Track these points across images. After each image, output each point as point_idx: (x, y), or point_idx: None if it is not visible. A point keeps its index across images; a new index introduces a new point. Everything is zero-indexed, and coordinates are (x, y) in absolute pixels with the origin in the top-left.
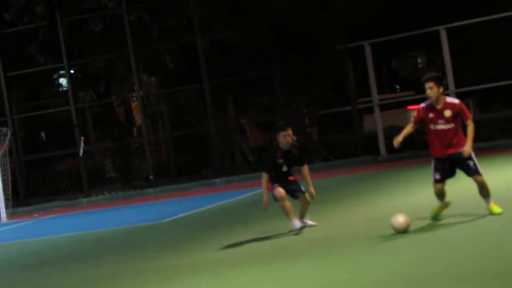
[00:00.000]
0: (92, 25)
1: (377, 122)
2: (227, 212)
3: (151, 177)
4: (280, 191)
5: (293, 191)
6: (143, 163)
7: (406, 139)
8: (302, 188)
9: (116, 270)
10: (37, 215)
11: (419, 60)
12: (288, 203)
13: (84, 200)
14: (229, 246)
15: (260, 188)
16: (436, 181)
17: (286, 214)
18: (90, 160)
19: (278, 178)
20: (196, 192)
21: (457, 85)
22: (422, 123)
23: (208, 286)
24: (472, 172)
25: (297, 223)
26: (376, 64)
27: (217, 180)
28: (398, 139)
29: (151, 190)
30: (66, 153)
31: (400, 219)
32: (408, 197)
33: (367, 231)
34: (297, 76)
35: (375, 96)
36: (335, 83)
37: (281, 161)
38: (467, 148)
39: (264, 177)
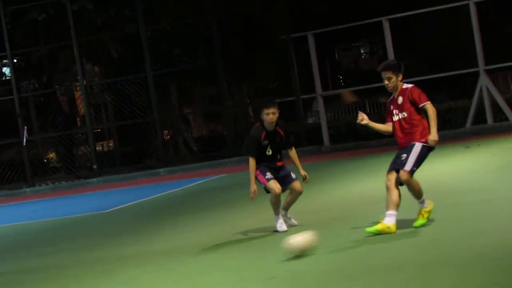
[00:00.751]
0: (35, 14)
1: (320, 112)
2: (170, 202)
3: (94, 166)
4: (278, 187)
5: (284, 183)
6: (86, 153)
7: (349, 130)
8: (293, 175)
9: (59, 261)
10: None
11: (362, 51)
12: (279, 201)
13: (28, 190)
14: (172, 237)
15: (208, 177)
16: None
17: (273, 209)
18: (33, 150)
19: (265, 164)
20: (140, 182)
21: None
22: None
23: (150, 277)
24: (399, 164)
25: (281, 226)
26: (320, 55)
27: (161, 170)
28: (367, 120)
29: (94, 180)
30: (9, 143)
31: (298, 239)
32: (352, 187)
33: (311, 222)
34: (240, 66)
35: (318, 87)
36: (279, 73)
37: (265, 142)
38: (431, 136)
39: (251, 162)
